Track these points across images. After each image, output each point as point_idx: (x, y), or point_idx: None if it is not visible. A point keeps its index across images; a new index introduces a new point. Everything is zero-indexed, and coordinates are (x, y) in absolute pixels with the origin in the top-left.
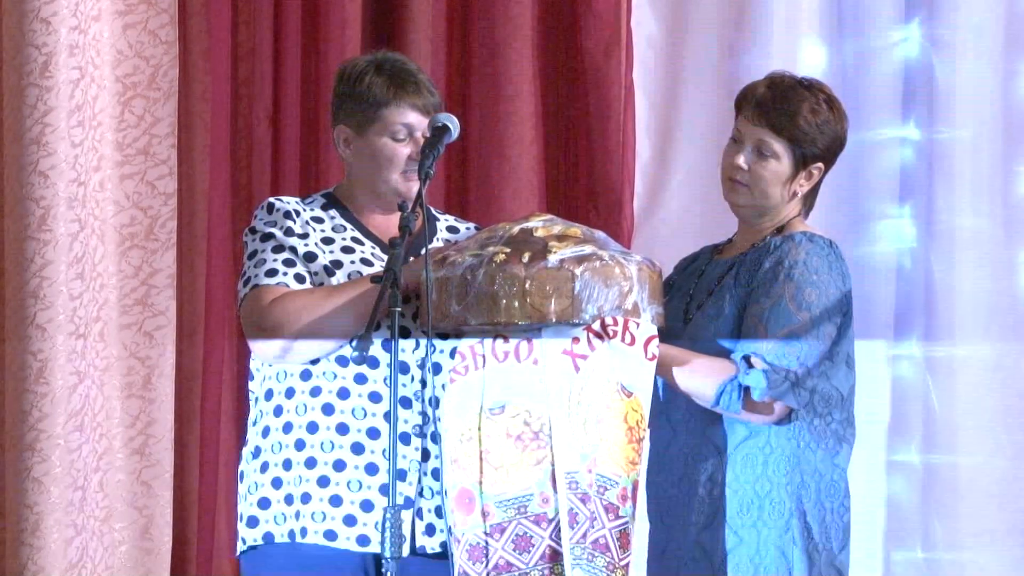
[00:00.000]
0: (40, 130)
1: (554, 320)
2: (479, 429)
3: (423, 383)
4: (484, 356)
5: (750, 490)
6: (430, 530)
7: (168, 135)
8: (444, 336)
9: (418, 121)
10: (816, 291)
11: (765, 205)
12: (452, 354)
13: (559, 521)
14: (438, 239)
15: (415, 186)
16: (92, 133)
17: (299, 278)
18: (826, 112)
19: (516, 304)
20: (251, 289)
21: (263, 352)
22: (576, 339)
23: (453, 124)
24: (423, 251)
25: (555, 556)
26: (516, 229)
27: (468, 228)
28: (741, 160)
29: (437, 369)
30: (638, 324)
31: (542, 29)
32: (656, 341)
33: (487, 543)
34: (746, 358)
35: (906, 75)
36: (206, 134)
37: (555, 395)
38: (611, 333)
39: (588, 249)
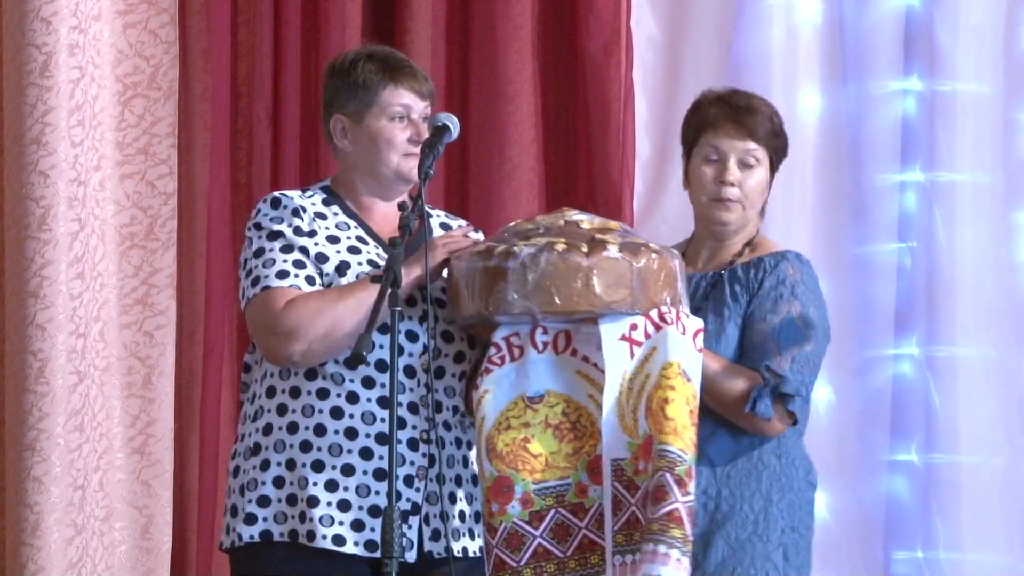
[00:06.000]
0: (40, 130)
1: (616, 309)
2: (517, 417)
3: (428, 388)
4: (521, 347)
5: (744, 506)
6: (436, 535)
7: (168, 135)
8: (470, 334)
9: (414, 103)
10: (816, 311)
11: (749, 217)
12: (458, 358)
13: (597, 510)
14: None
15: (415, 167)
16: (92, 133)
17: (310, 280)
18: (778, 113)
19: (580, 292)
20: (261, 291)
21: (275, 356)
22: (634, 326)
23: (453, 124)
24: (424, 251)
25: (592, 546)
26: (561, 221)
27: (460, 225)
28: (732, 176)
29: (440, 374)
30: (688, 315)
31: (542, 29)
32: (702, 334)
33: (526, 531)
34: (768, 368)
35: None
36: (206, 134)
37: (609, 381)
38: (668, 320)
39: (639, 240)
